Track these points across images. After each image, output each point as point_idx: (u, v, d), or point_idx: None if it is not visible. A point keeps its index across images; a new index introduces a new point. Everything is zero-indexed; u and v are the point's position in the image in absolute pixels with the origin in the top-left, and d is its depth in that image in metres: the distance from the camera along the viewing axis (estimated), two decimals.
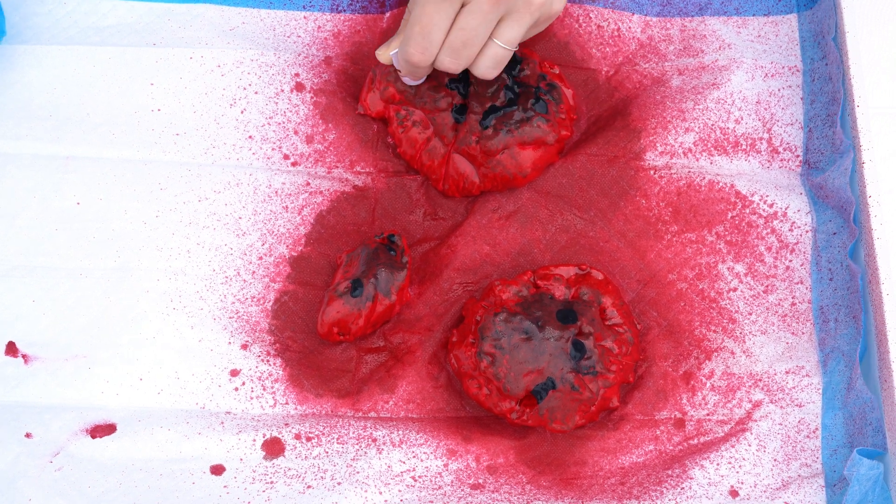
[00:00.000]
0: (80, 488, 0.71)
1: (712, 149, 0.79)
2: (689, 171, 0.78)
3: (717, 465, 0.71)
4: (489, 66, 0.71)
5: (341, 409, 0.73)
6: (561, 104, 0.77)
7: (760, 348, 0.74)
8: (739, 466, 0.71)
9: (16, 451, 0.71)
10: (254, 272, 0.76)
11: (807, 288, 0.76)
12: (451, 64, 0.71)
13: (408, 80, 0.78)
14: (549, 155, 0.77)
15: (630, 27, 0.82)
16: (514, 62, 0.77)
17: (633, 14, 0.82)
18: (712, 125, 0.80)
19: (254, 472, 0.71)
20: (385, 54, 0.75)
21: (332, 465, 0.71)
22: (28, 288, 0.75)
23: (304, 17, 0.83)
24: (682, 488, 0.71)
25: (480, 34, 0.69)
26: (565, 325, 0.72)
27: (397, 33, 0.75)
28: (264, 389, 0.74)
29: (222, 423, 0.73)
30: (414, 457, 0.72)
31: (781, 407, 0.73)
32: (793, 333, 0.75)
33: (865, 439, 0.70)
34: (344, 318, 0.73)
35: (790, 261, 0.76)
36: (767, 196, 0.77)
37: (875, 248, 0.72)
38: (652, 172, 0.78)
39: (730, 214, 0.77)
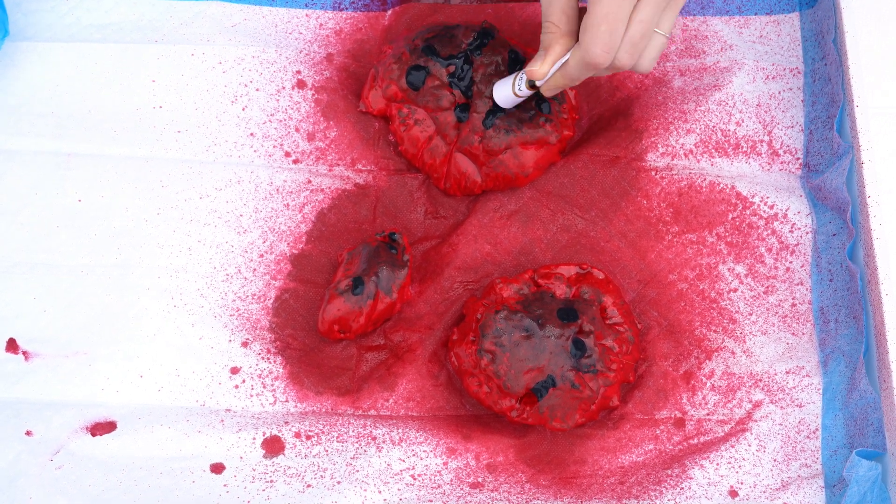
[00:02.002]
0: (81, 486, 0.71)
1: (713, 150, 0.79)
2: (691, 173, 0.78)
3: (717, 464, 0.72)
4: (654, 59, 0.68)
5: (341, 407, 0.73)
6: (563, 104, 0.77)
7: (761, 348, 0.74)
8: (739, 466, 0.72)
9: (16, 450, 0.71)
10: (255, 270, 0.76)
11: (807, 289, 0.76)
12: (628, 60, 0.66)
13: (506, 103, 0.75)
14: (550, 154, 0.77)
15: None
16: (518, 61, 0.77)
17: None
18: (713, 127, 0.80)
19: (254, 470, 0.71)
20: (543, 69, 0.69)
21: (332, 464, 0.71)
22: (29, 285, 0.75)
23: (306, 15, 0.83)
24: (682, 488, 0.71)
25: (653, 25, 0.66)
26: (566, 324, 0.72)
27: (545, 45, 0.69)
28: (264, 387, 0.74)
29: (222, 420, 0.73)
30: (413, 455, 0.72)
31: (781, 407, 0.73)
32: (793, 334, 0.75)
33: (866, 440, 0.70)
34: (345, 316, 0.73)
35: (790, 262, 0.76)
36: (768, 198, 0.77)
37: (874, 249, 0.72)
38: (653, 173, 0.78)
39: (730, 216, 0.77)
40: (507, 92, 0.74)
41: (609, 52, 0.65)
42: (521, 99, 0.74)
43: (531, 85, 0.71)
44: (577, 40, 0.67)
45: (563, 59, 0.68)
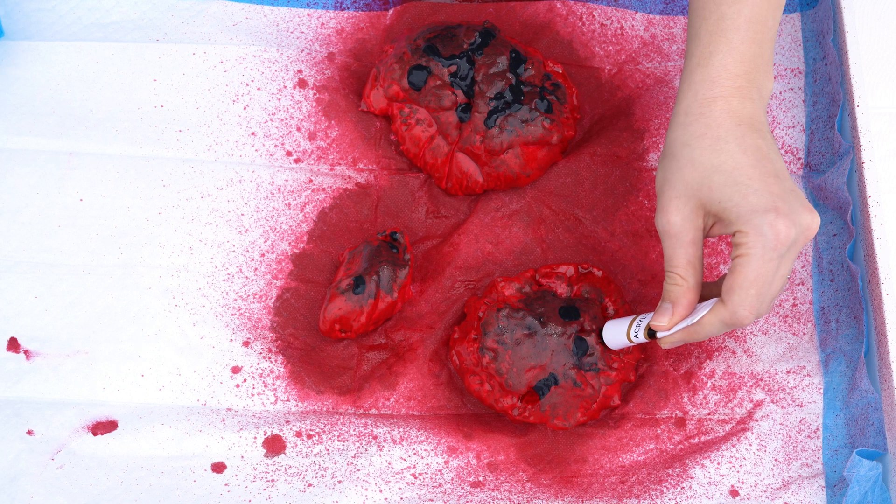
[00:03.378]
0: (82, 486, 0.71)
1: None
2: None
3: (718, 464, 0.72)
4: (771, 306, 0.65)
5: (342, 406, 0.73)
6: (565, 104, 0.77)
7: (761, 348, 0.74)
8: (740, 466, 0.72)
9: (17, 449, 0.71)
10: (256, 269, 0.76)
11: (808, 289, 0.76)
12: (763, 315, 0.65)
13: (615, 345, 0.71)
14: (552, 154, 0.77)
15: (633, 25, 0.82)
16: (520, 61, 0.77)
17: (637, 12, 0.83)
18: None
19: (255, 469, 0.71)
20: (671, 322, 0.66)
21: (333, 463, 0.71)
22: (30, 284, 0.75)
23: (308, 14, 0.83)
24: (683, 487, 0.71)
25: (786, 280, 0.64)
26: (568, 322, 0.72)
27: (672, 299, 0.65)
28: (265, 386, 0.74)
29: (223, 420, 0.73)
30: (414, 454, 0.72)
31: (782, 407, 0.73)
32: (794, 334, 0.75)
33: (867, 439, 0.70)
34: (346, 316, 0.73)
35: None
36: None
37: (875, 249, 0.72)
38: (654, 173, 0.78)
39: None
40: (621, 337, 0.70)
41: (756, 315, 0.62)
42: (631, 344, 0.70)
43: (650, 335, 0.68)
44: (699, 293, 0.65)
45: (698, 316, 0.65)
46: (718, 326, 0.64)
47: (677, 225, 0.63)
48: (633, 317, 0.69)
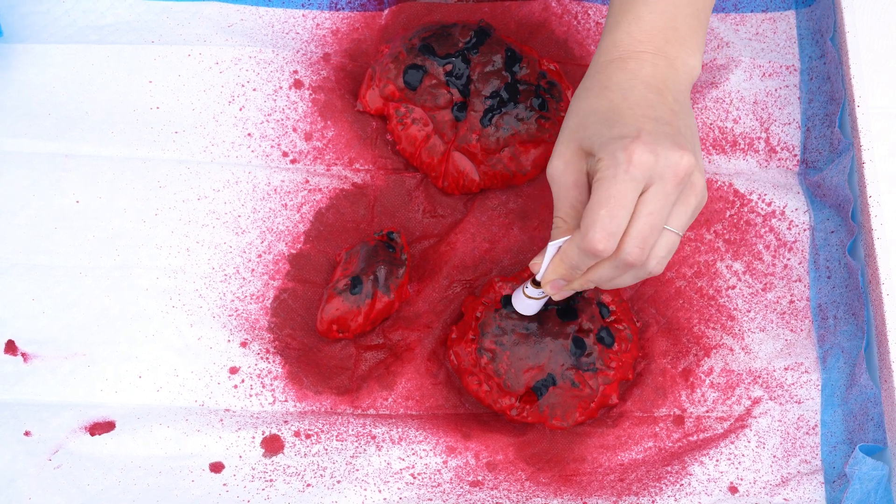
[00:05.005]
0: (80, 486, 0.70)
1: (710, 148, 0.79)
2: None
3: (717, 461, 0.72)
4: (664, 257, 0.62)
5: (340, 406, 0.73)
6: (561, 102, 0.77)
7: (759, 345, 0.74)
8: (739, 463, 0.72)
9: (15, 450, 0.71)
10: (253, 270, 0.76)
11: (805, 286, 0.76)
12: (639, 254, 0.60)
13: (528, 311, 0.71)
14: (549, 153, 0.77)
15: None
16: (515, 60, 0.77)
17: None
18: (710, 124, 0.80)
19: (253, 469, 0.71)
20: (539, 259, 0.66)
21: (332, 463, 0.71)
22: (27, 286, 0.75)
23: (303, 15, 0.83)
24: (682, 485, 0.71)
25: (663, 219, 0.60)
26: (565, 322, 0.72)
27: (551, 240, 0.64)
28: (263, 387, 0.74)
29: (221, 420, 0.72)
30: (413, 454, 0.72)
31: (780, 403, 0.73)
32: (791, 330, 0.75)
33: (866, 435, 0.70)
34: (343, 316, 0.73)
35: (788, 259, 0.76)
36: (765, 195, 0.77)
37: (875, 248, 0.72)
38: None
39: (728, 213, 0.77)
40: (519, 297, 0.70)
41: (608, 239, 0.59)
42: (540, 301, 0.69)
43: (536, 283, 0.67)
44: None
45: (558, 244, 0.64)
46: (578, 253, 0.62)
47: (559, 169, 0.63)
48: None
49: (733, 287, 0.76)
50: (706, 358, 0.74)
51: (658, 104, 0.62)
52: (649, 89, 0.63)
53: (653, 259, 0.62)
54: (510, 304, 0.72)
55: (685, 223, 0.62)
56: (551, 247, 0.64)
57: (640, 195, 0.60)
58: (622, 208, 0.59)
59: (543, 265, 0.65)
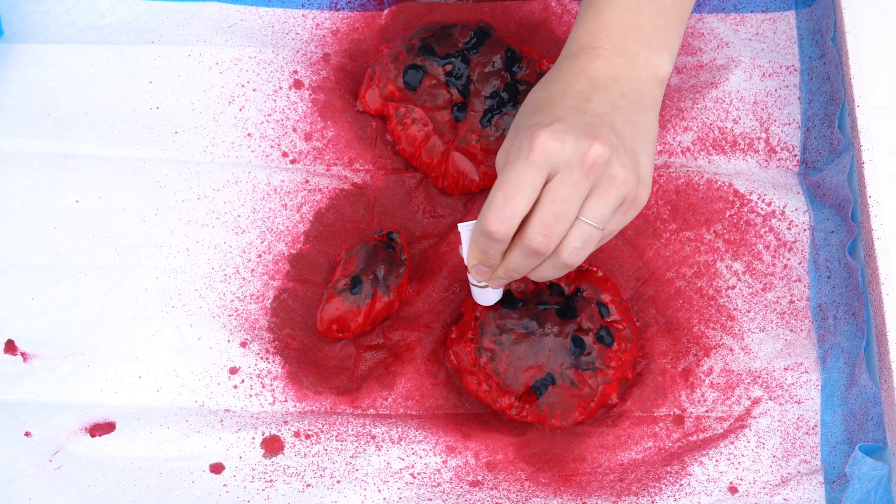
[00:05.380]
0: (80, 487, 0.70)
1: (710, 148, 0.79)
2: (688, 170, 0.78)
3: (717, 461, 0.72)
4: (578, 248, 0.61)
5: (340, 406, 0.73)
6: None
7: (759, 345, 0.74)
8: (738, 463, 0.72)
9: (15, 450, 0.71)
10: (253, 270, 0.76)
11: (805, 286, 0.76)
12: (543, 241, 0.60)
13: (482, 300, 0.71)
14: None
15: None
16: (515, 60, 0.77)
17: None
18: (710, 124, 0.80)
19: (253, 470, 0.71)
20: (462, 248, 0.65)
21: (332, 463, 0.71)
22: (27, 285, 0.75)
23: (303, 15, 0.83)
24: (681, 485, 0.71)
25: (571, 207, 0.60)
26: (565, 321, 0.72)
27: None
28: (263, 387, 0.74)
29: (221, 420, 0.72)
30: (413, 454, 0.72)
31: (780, 403, 0.73)
32: (791, 330, 0.75)
33: (866, 434, 0.70)
34: (343, 316, 0.73)
35: (788, 259, 0.76)
36: (765, 195, 0.77)
37: (875, 248, 0.72)
38: None
39: (728, 213, 0.77)
40: (472, 287, 0.70)
41: (503, 223, 0.60)
42: (488, 290, 0.69)
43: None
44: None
45: (468, 227, 0.64)
46: (478, 237, 0.62)
47: (500, 158, 0.63)
48: None
49: (733, 287, 0.76)
50: (706, 358, 0.74)
51: (596, 98, 0.62)
52: (593, 83, 0.63)
53: (565, 249, 0.61)
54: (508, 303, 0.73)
55: (603, 216, 0.61)
56: (463, 230, 0.64)
57: (547, 183, 0.60)
58: (518, 192, 0.59)
59: (463, 251, 0.65)
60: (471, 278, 0.67)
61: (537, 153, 0.59)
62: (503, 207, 0.59)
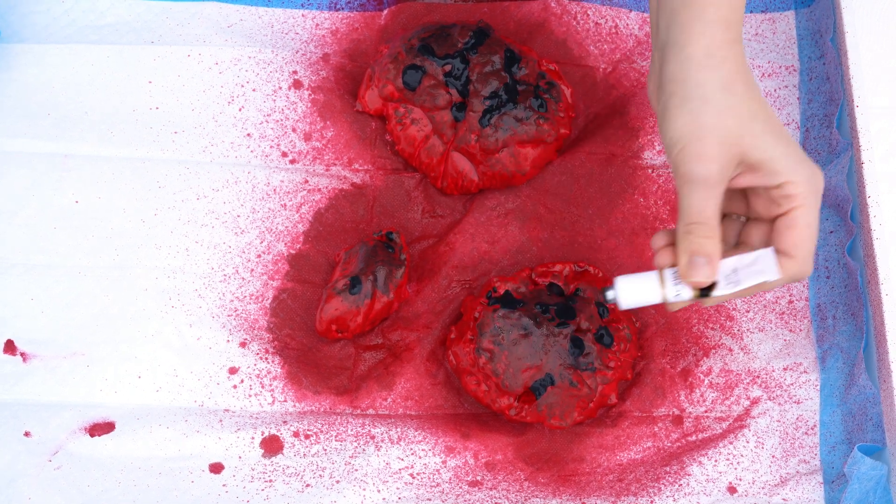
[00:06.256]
0: (79, 487, 0.71)
1: None
2: None
3: (716, 461, 0.72)
4: None
5: (339, 406, 0.73)
6: (560, 102, 0.77)
7: (758, 345, 0.74)
8: (738, 463, 0.72)
9: (15, 450, 0.71)
10: (252, 270, 0.76)
11: (804, 286, 0.76)
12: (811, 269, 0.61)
13: (635, 303, 0.62)
14: (547, 153, 0.77)
15: (627, 24, 0.82)
16: (514, 60, 0.77)
17: (631, 11, 0.83)
18: None
19: (252, 470, 0.71)
20: (713, 275, 0.59)
21: (331, 463, 0.71)
22: (26, 286, 0.75)
23: (303, 15, 0.83)
24: (680, 485, 0.71)
25: None
26: (564, 322, 0.72)
27: (706, 252, 0.58)
28: (263, 387, 0.74)
29: (221, 420, 0.73)
30: (412, 454, 0.72)
31: (779, 404, 0.73)
32: (790, 331, 0.75)
33: (865, 435, 0.70)
34: (342, 316, 0.73)
35: None
36: None
37: (874, 249, 0.72)
38: (650, 171, 0.78)
39: None
40: (649, 295, 0.61)
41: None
42: (655, 300, 0.62)
43: (703, 293, 0.60)
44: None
45: (761, 278, 0.59)
46: (785, 281, 0.60)
47: (716, 174, 0.57)
48: (655, 272, 0.61)
49: None
50: (705, 358, 0.74)
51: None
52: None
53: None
54: (507, 304, 0.73)
55: None
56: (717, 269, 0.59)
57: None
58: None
59: (729, 290, 0.60)
60: (670, 293, 0.61)
61: (822, 193, 0.60)
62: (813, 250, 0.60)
